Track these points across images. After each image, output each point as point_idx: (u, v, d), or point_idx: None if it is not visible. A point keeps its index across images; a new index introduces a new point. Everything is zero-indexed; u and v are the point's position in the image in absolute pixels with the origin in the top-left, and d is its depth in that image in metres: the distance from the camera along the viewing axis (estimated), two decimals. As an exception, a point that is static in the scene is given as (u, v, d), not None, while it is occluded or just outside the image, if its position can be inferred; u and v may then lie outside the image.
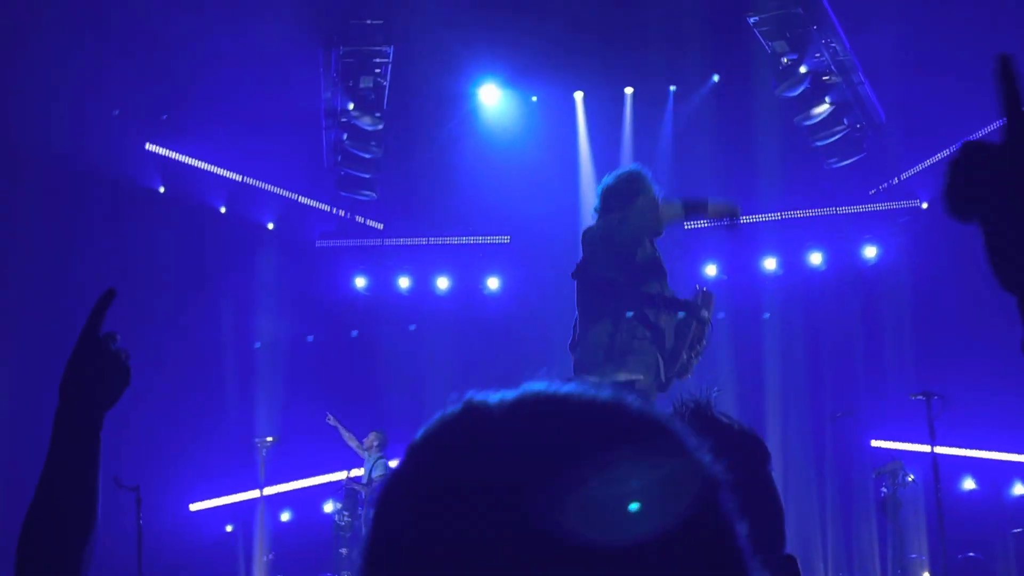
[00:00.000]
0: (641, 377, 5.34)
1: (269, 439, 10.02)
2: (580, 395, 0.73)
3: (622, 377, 5.25)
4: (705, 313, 5.51)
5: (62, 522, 1.76)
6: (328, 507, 10.67)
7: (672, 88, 11.32)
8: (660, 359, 5.46)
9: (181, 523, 10.68)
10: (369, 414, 10.47)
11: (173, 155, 10.91)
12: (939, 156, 10.22)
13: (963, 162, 1.09)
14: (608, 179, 5.50)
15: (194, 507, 10.92)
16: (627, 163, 11.63)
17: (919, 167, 10.68)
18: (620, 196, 5.40)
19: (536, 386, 0.74)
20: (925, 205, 10.81)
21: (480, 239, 11.89)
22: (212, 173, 11.14)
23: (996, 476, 10.41)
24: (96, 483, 1.80)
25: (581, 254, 5.53)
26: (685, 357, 5.55)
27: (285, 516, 11.25)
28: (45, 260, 9.63)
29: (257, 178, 11.34)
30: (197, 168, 11.04)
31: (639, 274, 5.47)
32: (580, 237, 5.59)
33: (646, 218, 5.42)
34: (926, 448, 7.55)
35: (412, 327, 11.86)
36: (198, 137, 10.77)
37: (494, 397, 0.73)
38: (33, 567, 1.72)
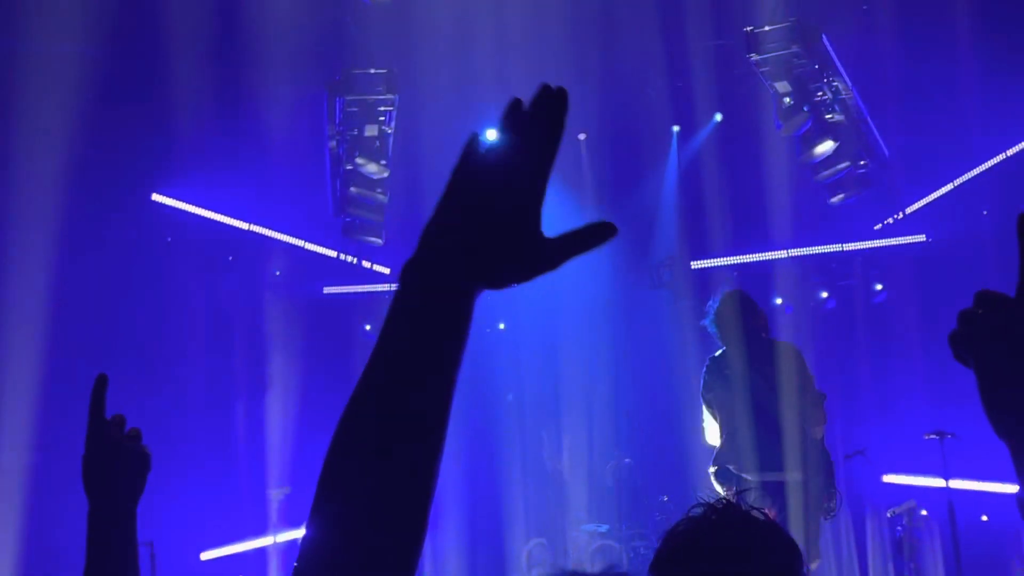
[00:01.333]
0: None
1: (280, 491, 9.97)
2: None
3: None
4: None
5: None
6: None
7: (675, 128, 11.34)
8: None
9: (193, 573, 10.61)
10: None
11: (180, 205, 10.96)
12: (944, 190, 10.22)
13: (972, 311, 1.11)
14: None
15: (205, 556, 10.85)
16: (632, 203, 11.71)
17: (924, 202, 10.67)
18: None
19: None
20: (929, 239, 10.80)
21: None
22: (219, 222, 11.17)
23: (1011, 509, 10.31)
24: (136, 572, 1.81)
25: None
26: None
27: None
28: (54, 311, 9.64)
29: (264, 225, 11.36)
30: (204, 217, 11.08)
31: None
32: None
33: None
34: (940, 482, 7.52)
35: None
36: (204, 186, 10.81)
37: None
38: None
